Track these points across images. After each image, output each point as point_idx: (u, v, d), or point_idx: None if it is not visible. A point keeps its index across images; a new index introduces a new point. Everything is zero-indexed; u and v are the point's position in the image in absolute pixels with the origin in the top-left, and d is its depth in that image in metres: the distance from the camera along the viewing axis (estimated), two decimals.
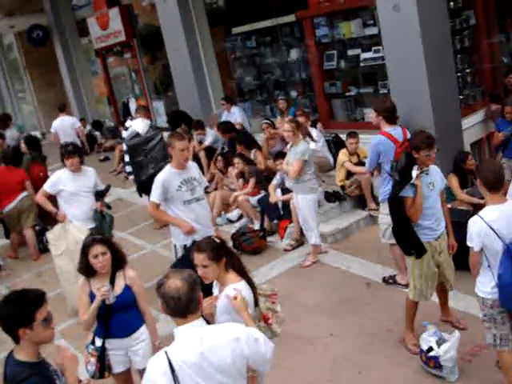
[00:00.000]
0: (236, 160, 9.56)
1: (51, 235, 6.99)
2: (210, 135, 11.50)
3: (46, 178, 7.85)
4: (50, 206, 7.37)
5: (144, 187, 9.47)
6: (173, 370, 3.03)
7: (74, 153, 7.32)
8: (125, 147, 9.57)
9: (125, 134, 9.77)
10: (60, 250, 6.98)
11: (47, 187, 7.35)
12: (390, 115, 6.34)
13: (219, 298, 3.91)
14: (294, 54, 11.52)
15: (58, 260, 7.04)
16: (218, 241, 4.01)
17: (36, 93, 22.70)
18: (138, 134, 9.27)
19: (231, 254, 4.11)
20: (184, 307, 3.12)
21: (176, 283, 3.12)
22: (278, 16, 11.27)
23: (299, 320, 6.31)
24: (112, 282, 4.61)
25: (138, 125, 9.36)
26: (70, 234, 6.68)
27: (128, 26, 15.61)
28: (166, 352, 3.10)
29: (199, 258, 3.87)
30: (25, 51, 22.25)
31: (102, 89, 19.06)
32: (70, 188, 7.23)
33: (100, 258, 4.56)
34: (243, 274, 4.03)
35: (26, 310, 3.27)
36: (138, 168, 9.33)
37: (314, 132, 9.14)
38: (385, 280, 6.84)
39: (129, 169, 9.60)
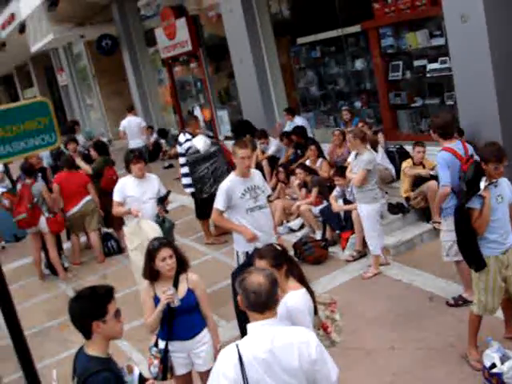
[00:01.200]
0: (298, 170, 9.59)
1: (128, 229, 7.05)
2: (273, 144, 11.57)
3: (117, 180, 8.04)
4: (122, 210, 7.39)
5: (205, 203, 9.56)
6: (242, 364, 3.10)
7: (140, 158, 7.48)
8: (182, 160, 9.72)
9: (179, 148, 9.89)
10: (134, 245, 7.04)
11: (116, 197, 7.40)
12: (443, 131, 6.17)
13: (280, 305, 3.93)
14: (359, 64, 11.49)
15: (133, 255, 7.09)
16: (279, 248, 4.04)
17: (104, 100, 23.32)
18: (198, 152, 9.40)
19: (292, 261, 4.16)
20: (263, 302, 3.20)
21: (258, 278, 3.21)
22: (343, 26, 11.27)
23: (359, 331, 6.27)
24: (175, 285, 4.70)
25: (199, 142, 9.45)
26: (143, 232, 6.73)
27: (194, 36, 15.86)
28: (237, 345, 3.18)
29: (260, 265, 3.91)
30: (94, 60, 22.91)
31: (168, 98, 19.40)
32: (136, 194, 7.32)
33: (168, 260, 4.65)
34: (303, 281, 4.07)
35: (99, 303, 3.38)
36: (200, 185, 9.45)
37: None
38: (455, 303, 6.59)
39: (185, 181, 9.76)
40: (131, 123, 15.12)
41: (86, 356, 3.41)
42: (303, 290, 3.99)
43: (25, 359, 3.82)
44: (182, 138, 9.88)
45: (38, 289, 9.69)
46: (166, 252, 4.66)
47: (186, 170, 9.69)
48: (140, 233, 6.77)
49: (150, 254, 4.71)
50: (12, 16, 21.98)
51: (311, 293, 4.06)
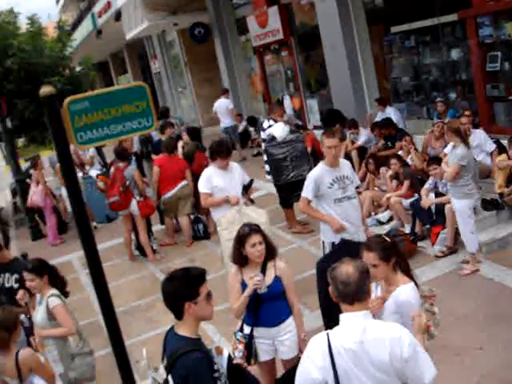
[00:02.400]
0: (393, 161, 9.36)
1: (225, 219, 6.94)
2: (364, 135, 11.42)
3: (207, 165, 8.12)
4: (217, 199, 7.31)
5: (283, 190, 9.63)
6: (331, 353, 3.11)
7: (229, 154, 7.46)
8: (263, 146, 9.82)
9: (262, 134, 9.98)
10: (233, 234, 6.88)
11: (204, 189, 7.36)
12: None
13: (388, 299, 3.87)
14: (455, 54, 11.12)
15: (231, 244, 6.97)
16: (388, 240, 3.97)
17: (195, 88, 23.67)
18: (274, 138, 9.41)
19: (400, 254, 4.06)
20: (352, 294, 3.18)
21: (348, 269, 3.20)
22: (439, 15, 10.94)
23: (447, 329, 6.07)
24: (263, 272, 4.71)
25: (276, 130, 9.46)
26: (245, 217, 6.63)
27: (286, 24, 15.82)
28: (327, 334, 3.18)
29: (369, 257, 3.85)
30: (186, 48, 23.27)
31: (258, 86, 19.48)
32: (222, 184, 7.30)
33: (258, 247, 4.67)
34: (409, 275, 3.98)
35: (191, 284, 3.44)
36: (276, 171, 9.51)
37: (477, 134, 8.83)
38: None
39: (267, 168, 9.86)
40: (221, 104, 16.49)
41: (176, 336, 3.48)
42: (412, 284, 3.92)
43: (114, 336, 3.92)
44: (265, 124, 10.00)
45: (128, 269, 9.99)
46: (256, 238, 4.68)
47: (266, 156, 9.80)
48: (241, 220, 6.61)
49: (240, 240, 4.74)
50: (108, 4, 22.66)
51: (417, 286, 3.99)
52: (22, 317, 5.44)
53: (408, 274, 3.99)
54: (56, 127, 3.35)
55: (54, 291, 5.44)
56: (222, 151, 7.39)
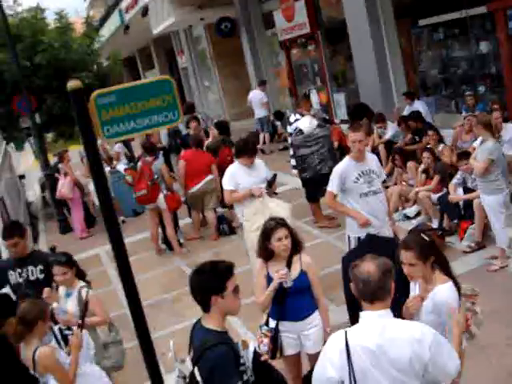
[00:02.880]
0: (425, 154, 9.24)
1: (248, 210, 6.93)
2: (391, 129, 11.33)
3: (232, 161, 8.12)
4: (241, 194, 7.24)
5: (309, 185, 9.61)
6: (348, 351, 3.08)
7: (255, 153, 7.43)
8: (290, 140, 9.80)
9: (289, 128, 9.97)
10: (256, 226, 6.87)
11: (228, 186, 7.30)
12: None
13: (427, 298, 3.83)
14: (484, 47, 10.97)
15: (254, 236, 6.97)
16: (427, 238, 3.92)
17: (221, 83, 23.69)
18: (301, 132, 9.38)
19: (439, 252, 4.01)
20: (372, 292, 3.14)
21: (369, 267, 3.16)
22: (468, 7, 10.79)
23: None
24: (288, 266, 4.71)
25: (303, 123, 9.42)
26: (267, 209, 6.61)
27: (313, 18, 15.75)
28: (345, 332, 3.16)
29: (406, 256, 3.81)
30: (213, 42, 23.29)
31: (285, 80, 19.43)
32: (247, 181, 7.23)
33: (284, 241, 4.68)
34: (449, 273, 3.93)
35: (219, 278, 3.45)
36: (303, 165, 9.48)
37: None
38: None
39: (293, 162, 9.83)
40: (255, 95, 17.02)
41: (203, 329, 3.49)
42: (450, 283, 3.87)
43: (141, 329, 3.95)
44: (292, 118, 9.98)
45: (154, 262, 10.06)
46: (282, 232, 4.68)
47: (292, 150, 9.79)
48: (263, 211, 6.60)
49: (266, 233, 4.75)
50: (135, 0, 22.79)
51: (457, 285, 3.92)
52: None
53: (447, 272, 3.93)
54: (83, 121, 3.38)
55: (83, 283, 5.52)
56: (247, 150, 7.36)
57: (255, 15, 19.55)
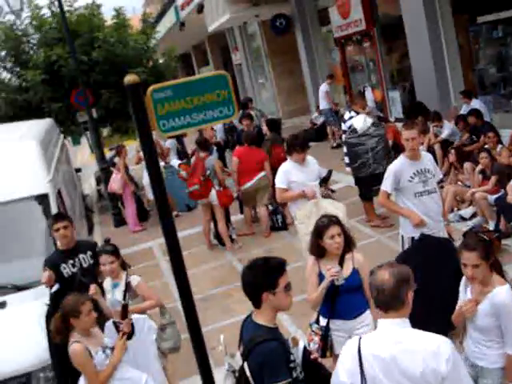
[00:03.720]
0: (483, 155, 9.03)
1: (301, 213, 6.87)
2: (447, 128, 11.12)
3: (285, 158, 8.09)
4: (293, 193, 7.24)
5: (363, 183, 9.52)
6: (360, 358, 3.04)
7: (306, 148, 7.40)
8: (344, 138, 9.72)
9: (343, 126, 9.88)
10: (310, 228, 6.81)
11: (281, 184, 7.31)
12: None
13: (483, 300, 3.76)
14: None
15: (308, 238, 6.95)
16: (487, 238, 3.84)
17: (276, 80, 23.68)
18: (355, 131, 9.27)
19: (494, 254, 3.94)
20: (385, 301, 3.06)
21: (383, 275, 3.07)
22: None
23: None
24: (341, 264, 4.68)
25: (358, 122, 9.31)
26: (323, 210, 6.57)
27: (368, 14, 15.58)
28: (359, 338, 3.12)
29: (470, 257, 3.74)
30: (267, 39, 23.31)
31: (339, 77, 19.30)
32: (300, 179, 7.23)
33: (336, 238, 4.65)
34: (503, 275, 3.86)
35: (271, 274, 3.44)
36: (356, 164, 9.38)
37: None
38: None
39: (346, 160, 9.75)
40: (322, 88, 17.10)
41: (254, 324, 3.50)
42: (508, 285, 3.79)
43: (192, 323, 3.98)
44: (346, 115, 9.91)
45: (206, 257, 10.13)
46: (334, 230, 4.66)
47: (346, 148, 9.71)
48: (318, 213, 6.50)
49: (319, 231, 4.73)
50: None
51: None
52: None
53: (501, 274, 3.85)
54: (139, 115, 3.41)
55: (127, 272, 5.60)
56: (297, 145, 7.34)
57: (310, 12, 19.47)
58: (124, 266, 5.75)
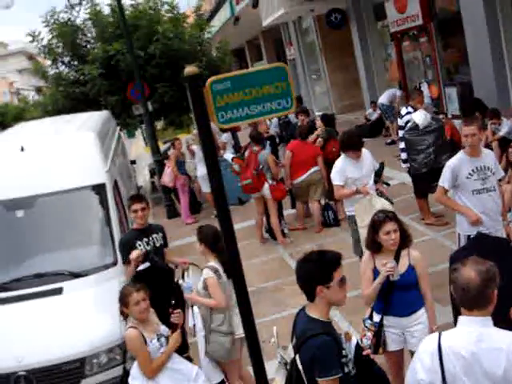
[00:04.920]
0: None
1: (358, 205, 6.82)
2: (506, 125, 10.84)
3: (338, 153, 8.03)
4: (348, 191, 7.20)
5: (421, 180, 9.34)
6: (440, 355, 2.97)
7: (360, 147, 7.30)
8: (401, 133, 9.56)
9: (400, 121, 9.72)
10: (365, 223, 6.79)
11: (337, 181, 7.22)
12: None
13: None
14: None
15: (364, 232, 6.93)
16: None
17: (329, 75, 23.53)
18: (416, 127, 9.10)
19: None
20: (470, 300, 2.98)
21: (469, 274, 2.97)
22: None
23: None
24: (396, 260, 4.63)
25: (418, 117, 9.13)
26: (374, 209, 6.56)
27: (426, 9, 15.29)
28: (439, 334, 3.05)
29: None
30: (322, 34, 23.17)
31: (394, 73, 19.04)
32: (356, 175, 7.17)
33: (392, 235, 4.60)
34: None
35: (325, 268, 3.44)
36: (414, 160, 9.22)
37: None
38: None
39: (403, 156, 9.58)
40: (394, 92, 16.88)
41: (307, 317, 3.49)
42: None
43: (246, 315, 4.00)
44: (403, 110, 9.77)
45: (257, 251, 10.16)
46: (390, 226, 4.61)
47: (403, 144, 9.53)
48: (371, 211, 6.52)
49: (375, 226, 4.69)
50: None
51: None
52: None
53: None
54: (198, 106, 3.44)
55: (211, 264, 5.55)
56: (352, 145, 7.24)
57: (366, 6, 19.26)
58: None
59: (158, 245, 6.20)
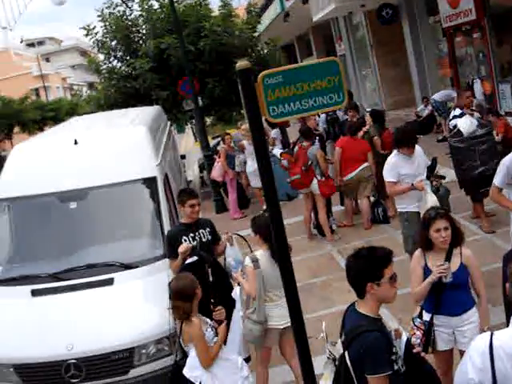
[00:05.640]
0: None
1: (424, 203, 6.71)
2: None
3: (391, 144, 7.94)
4: (402, 187, 7.16)
5: (469, 186, 9.11)
6: (492, 355, 2.90)
7: (415, 143, 7.24)
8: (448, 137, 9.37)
9: (450, 122, 9.50)
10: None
11: (390, 178, 7.22)
12: None
13: None
14: None
15: None
16: None
17: (380, 71, 23.32)
18: (460, 134, 8.83)
19: None
20: None
21: None
22: None
23: None
24: (448, 258, 4.56)
25: (463, 123, 8.86)
26: (426, 205, 6.45)
27: (479, 4, 14.99)
28: (491, 334, 2.99)
29: None
30: (372, 30, 22.99)
31: (446, 69, 18.74)
32: (410, 171, 7.12)
33: (442, 232, 4.53)
34: None
35: (376, 265, 3.42)
36: (460, 167, 8.96)
37: None
38: None
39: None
40: (451, 93, 16.33)
41: (357, 313, 3.47)
42: None
43: (294, 311, 4.00)
44: (451, 113, 9.54)
45: (305, 247, 10.13)
46: (441, 223, 4.54)
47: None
48: (425, 207, 6.32)
49: (426, 223, 4.63)
50: None
51: None
52: None
53: None
54: (250, 100, 3.45)
55: (255, 253, 5.70)
56: (407, 141, 7.18)
57: (418, 1, 19.02)
58: None
59: (204, 240, 6.20)
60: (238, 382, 5.03)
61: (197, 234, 6.17)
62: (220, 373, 4.91)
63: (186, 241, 6.06)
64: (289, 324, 5.11)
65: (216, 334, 4.99)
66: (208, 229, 6.30)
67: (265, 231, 5.47)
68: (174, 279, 5.33)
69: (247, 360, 5.68)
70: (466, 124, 8.82)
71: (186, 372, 4.91)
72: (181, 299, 4.89)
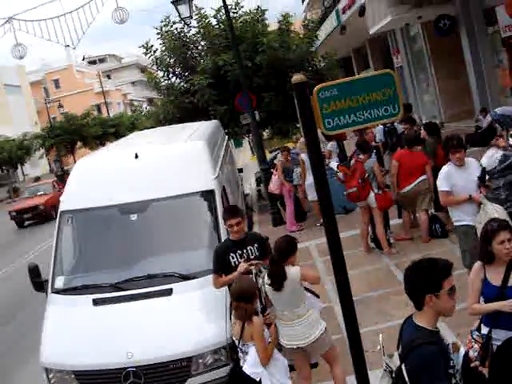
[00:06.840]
0: None
1: (476, 219, 6.67)
2: None
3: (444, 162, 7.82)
4: (458, 198, 7.09)
5: None
6: None
7: (459, 147, 7.14)
8: None
9: None
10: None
11: (444, 187, 7.15)
12: None
13: None
14: None
15: None
16: None
17: (438, 82, 23.02)
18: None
19: None
20: None
21: None
22: None
23: None
24: (508, 271, 4.48)
25: (484, 157, 7.95)
26: (487, 216, 6.36)
27: None
28: None
29: None
30: (430, 41, 22.73)
31: (507, 80, 18.36)
32: (462, 182, 7.05)
33: (507, 244, 4.47)
34: None
35: (435, 277, 3.39)
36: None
37: None
38: None
39: None
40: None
41: (414, 325, 3.45)
42: None
43: (350, 323, 4.02)
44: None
45: (362, 260, 10.05)
46: (504, 235, 4.49)
47: None
48: (485, 219, 6.15)
49: (487, 236, 4.56)
50: (352, 0, 22.94)
51: None
52: None
53: None
54: (305, 113, 3.51)
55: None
56: (451, 144, 7.15)
57: (476, 11, 18.71)
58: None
59: (252, 257, 6.09)
60: (289, 381, 5.23)
61: (244, 250, 6.10)
62: (274, 371, 5.10)
63: (233, 258, 6.04)
64: (300, 345, 5.36)
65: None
66: (256, 245, 6.18)
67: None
68: (235, 282, 5.47)
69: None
70: (485, 157, 8.19)
71: (247, 369, 5.03)
72: (243, 300, 5.09)
